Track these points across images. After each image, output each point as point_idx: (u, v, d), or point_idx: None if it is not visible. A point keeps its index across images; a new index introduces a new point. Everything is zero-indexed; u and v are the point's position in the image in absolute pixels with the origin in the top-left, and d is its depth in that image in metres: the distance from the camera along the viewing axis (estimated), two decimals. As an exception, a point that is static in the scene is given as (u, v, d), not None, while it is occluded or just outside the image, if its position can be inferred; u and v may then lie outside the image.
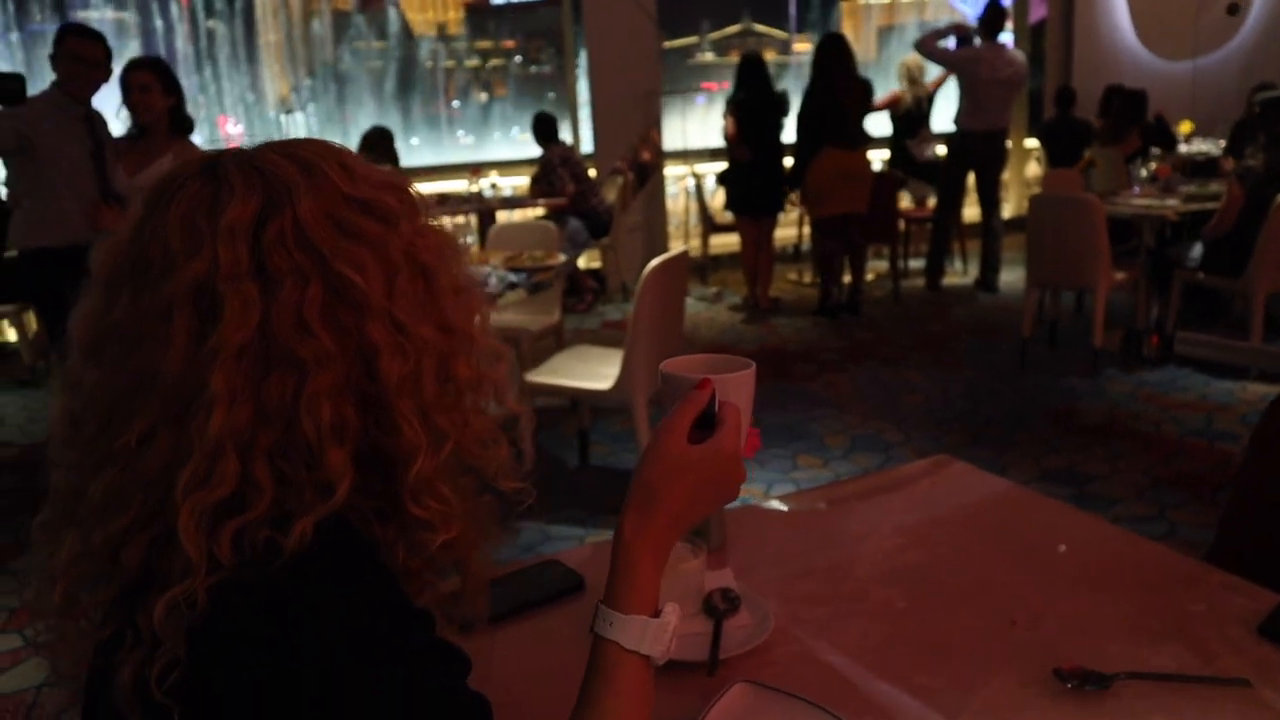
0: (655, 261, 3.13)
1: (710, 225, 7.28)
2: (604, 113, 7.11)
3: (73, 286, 2.24)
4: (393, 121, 9.14)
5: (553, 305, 4.32)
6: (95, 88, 3.44)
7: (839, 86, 5.73)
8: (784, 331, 5.78)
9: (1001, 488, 1.51)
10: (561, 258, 3.74)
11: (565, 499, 3.45)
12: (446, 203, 6.47)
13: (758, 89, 6.00)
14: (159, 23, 9.95)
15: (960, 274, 7.11)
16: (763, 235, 6.28)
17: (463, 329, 0.74)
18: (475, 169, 6.93)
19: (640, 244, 7.35)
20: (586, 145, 7.65)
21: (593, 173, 7.12)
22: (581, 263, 7.33)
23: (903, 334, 5.61)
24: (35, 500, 0.74)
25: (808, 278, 7.18)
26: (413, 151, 9.86)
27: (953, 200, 6.68)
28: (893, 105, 7.18)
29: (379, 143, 6.17)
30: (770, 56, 12.23)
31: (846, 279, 6.12)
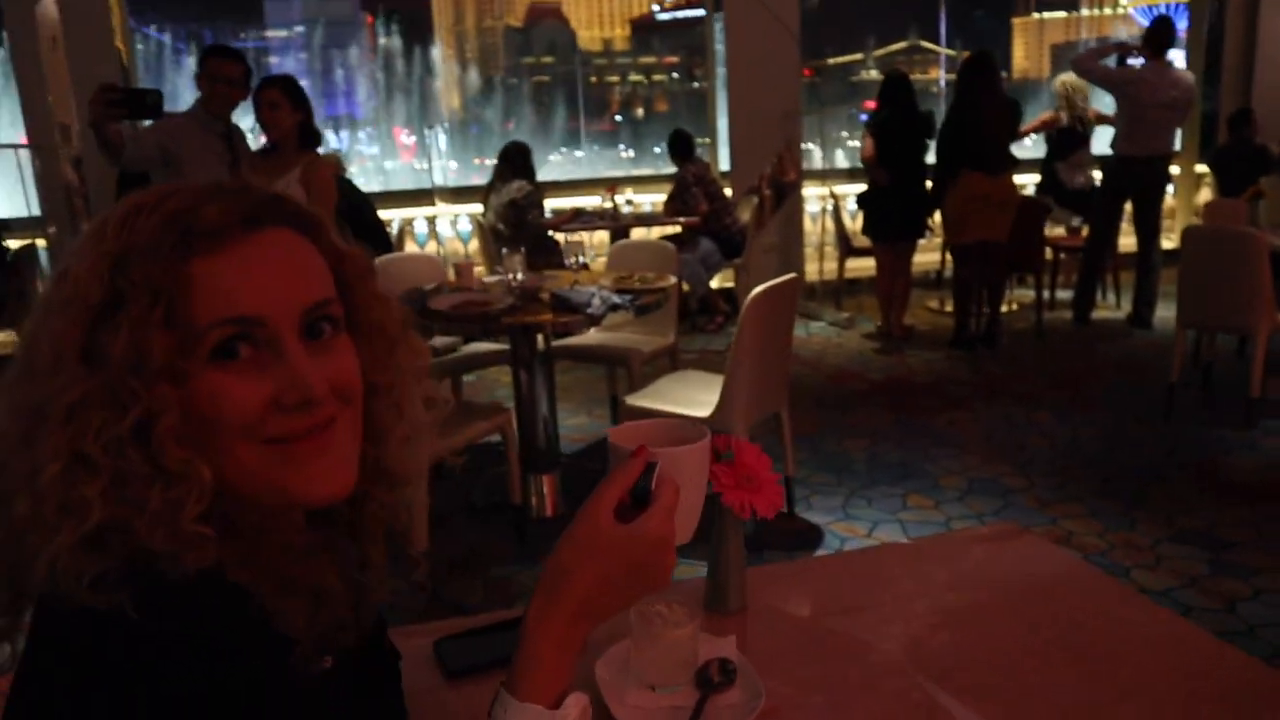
0: (760, 287, 3.07)
1: (847, 248, 7.12)
2: (741, 131, 7.06)
3: None
4: (554, 135, 9.39)
5: (668, 326, 4.31)
6: (233, 105, 3.65)
7: (982, 107, 5.49)
8: (914, 362, 5.57)
9: (1072, 568, 1.39)
10: (672, 280, 3.71)
11: (662, 525, 3.41)
12: (579, 218, 6.57)
13: (900, 109, 5.82)
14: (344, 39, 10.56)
15: (1112, 308, 6.69)
16: (899, 261, 6.09)
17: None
18: (611, 185, 7.00)
19: (774, 265, 7.25)
20: (725, 164, 7.62)
21: (728, 192, 7.08)
22: (715, 283, 7.31)
23: (1040, 371, 5.32)
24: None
25: (948, 306, 6.91)
26: (575, 164, 10.11)
27: (1106, 229, 6.29)
28: (1045, 128, 6.83)
29: (515, 157, 6.33)
30: (935, 75, 11.91)
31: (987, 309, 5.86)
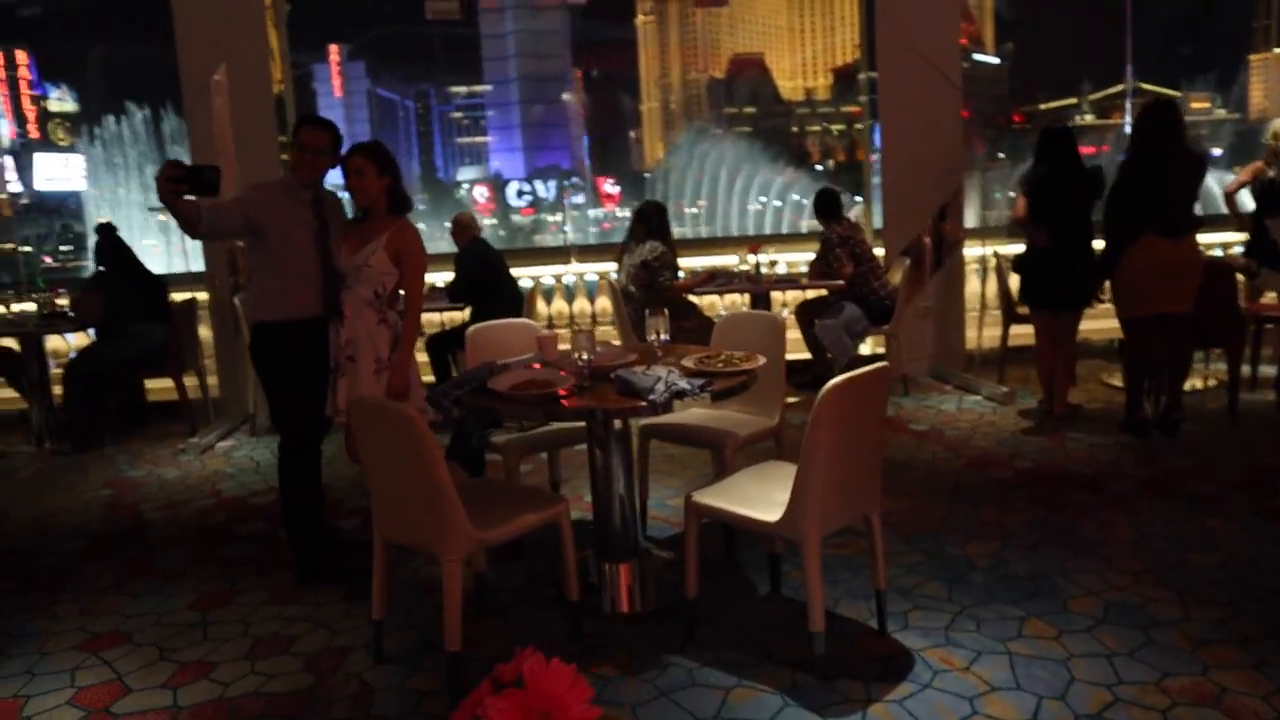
0: (839, 379, 2.69)
1: (1012, 313, 6.49)
2: (895, 188, 6.63)
3: (294, 361, 3.21)
4: (750, 182, 9.41)
5: (773, 406, 3.96)
6: (321, 172, 3.65)
7: (1164, 161, 4.84)
8: (1074, 448, 4.93)
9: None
10: (761, 361, 3.37)
11: (733, 634, 3.07)
12: (714, 280, 6.31)
13: (1059, 163, 5.24)
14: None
15: (1333, 390, 5.73)
16: (1062, 332, 5.46)
17: None
18: (754, 243, 6.71)
19: (931, 331, 6.74)
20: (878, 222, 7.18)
21: (880, 253, 6.64)
22: (864, 349, 6.86)
23: (1227, 465, 4.56)
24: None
25: (1129, 380, 6.14)
26: (773, 213, 10.00)
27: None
28: (1251, 182, 5.99)
29: (650, 216, 6.19)
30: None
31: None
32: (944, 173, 6.54)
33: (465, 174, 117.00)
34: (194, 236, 3.40)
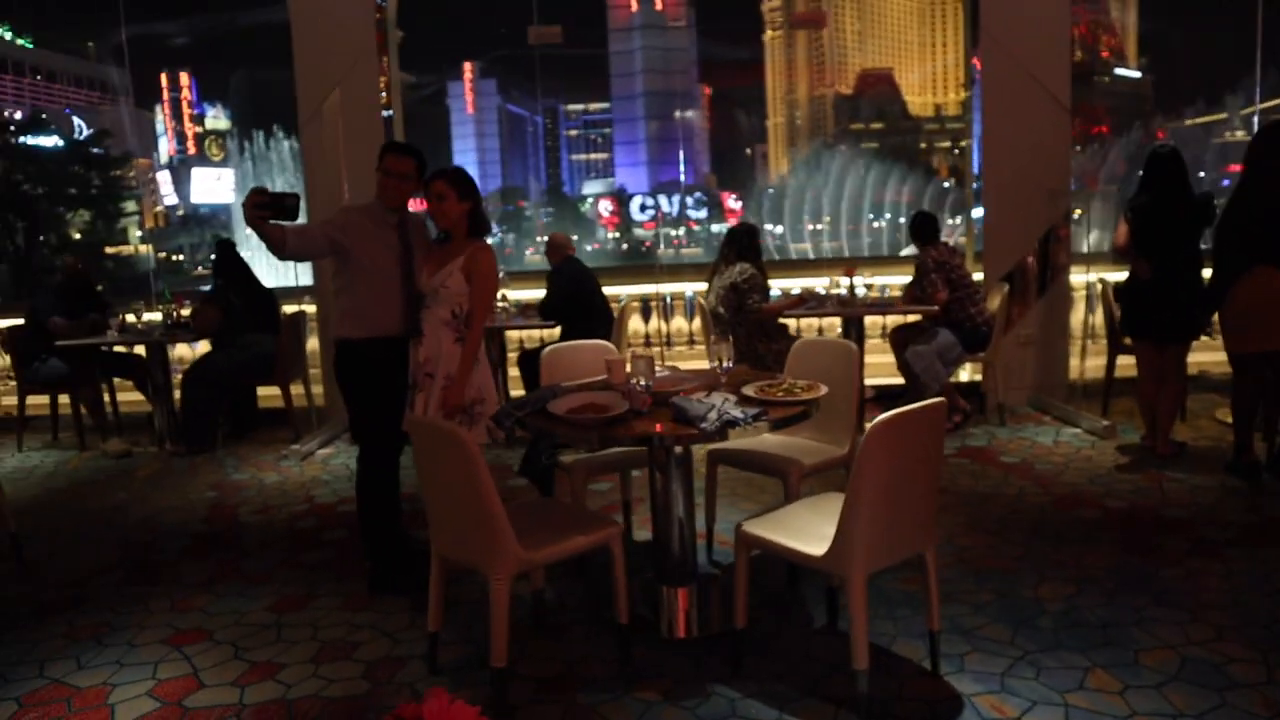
0: (887, 415, 2.65)
1: (1118, 342, 6.20)
2: (996, 211, 6.43)
3: (375, 377, 3.42)
4: (875, 198, 9.36)
5: (844, 435, 3.90)
6: (405, 197, 3.80)
7: (1278, 188, 4.57)
8: (1173, 489, 4.68)
9: None
10: (822, 390, 3.33)
11: (782, 666, 3.04)
12: (805, 303, 6.25)
13: (1164, 189, 5.00)
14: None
15: None
16: (1167, 365, 5.19)
17: None
18: (849, 265, 6.62)
19: (1032, 359, 6.51)
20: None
21: (979, 277, 6.46)
22: (964, 375, 6.69)
23: (1343, 515, 4.25)
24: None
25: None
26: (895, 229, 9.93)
27: None
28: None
29: (742, 238, 6.20)
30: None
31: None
32: (1050, 195, 6.31)
33: (590, 188, 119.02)
34: (280, 257, 3.58)
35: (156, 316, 6.86)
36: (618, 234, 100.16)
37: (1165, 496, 4.58)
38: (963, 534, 4.20)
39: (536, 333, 7.68)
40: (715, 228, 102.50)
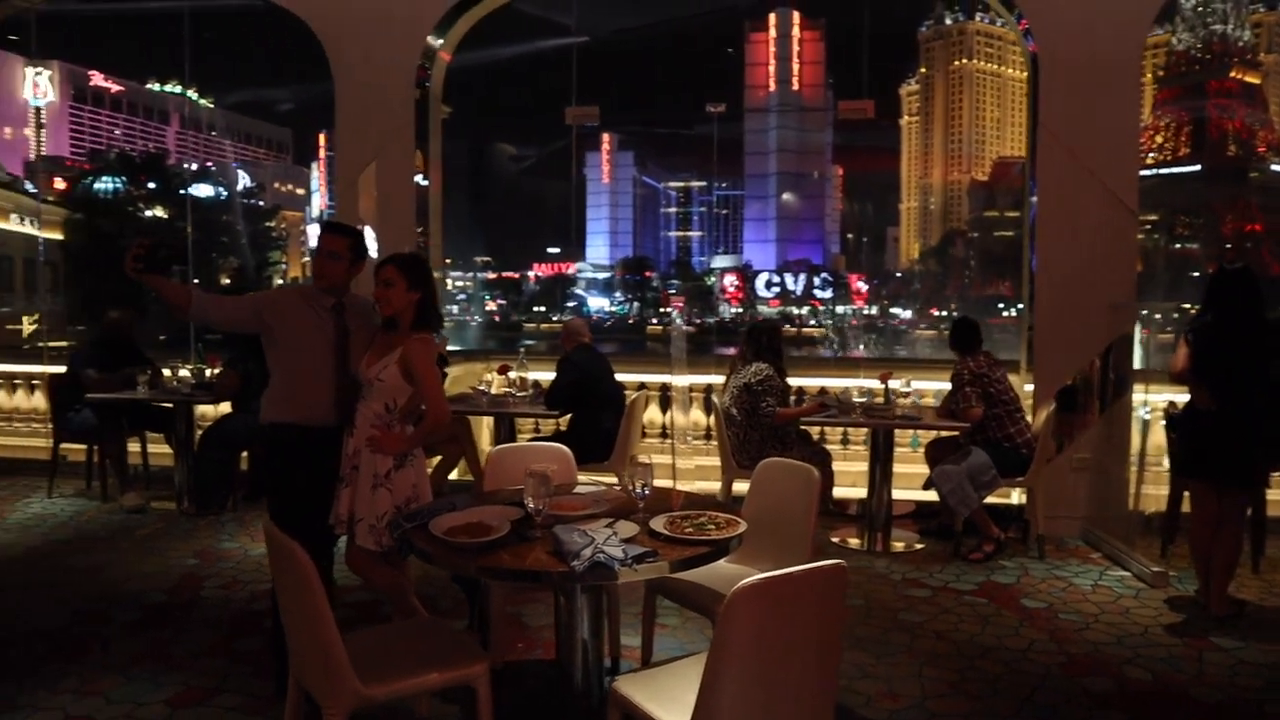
0: (751, 580, 2.24)
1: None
2: (1049, 321, 5.87)
3: (299, 465, 3.27)
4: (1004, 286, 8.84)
5: (800, 552, 3.44)
6: (338, 278, 3.62)
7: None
8: (1214, 661, 3.99)
9: None
10: (741, 528, 2.92)
11: None
12: (824, 409, 5.81)
13: (1230, 311, 4.41)
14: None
15: None
16: (1227, 511, 4.51)
17: None
18: (885, 370, 6.13)
19: (1084, 487, 5.86)
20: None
21: (1029, 390, 5.88)
22: (1014, 496, 6.09)
23: None
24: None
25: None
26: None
27: None
28: None
29: (761, 336, 5.89)
30: None
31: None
32: (1112, 307, 5.72)
33: (719, 262, 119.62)
34: (182, 318, 3.44)
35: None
36: (740, 309, 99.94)
37: (1201, 671, 3.91)
38: (941, 695, 3.65)
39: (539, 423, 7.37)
40: (840, 309, 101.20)
